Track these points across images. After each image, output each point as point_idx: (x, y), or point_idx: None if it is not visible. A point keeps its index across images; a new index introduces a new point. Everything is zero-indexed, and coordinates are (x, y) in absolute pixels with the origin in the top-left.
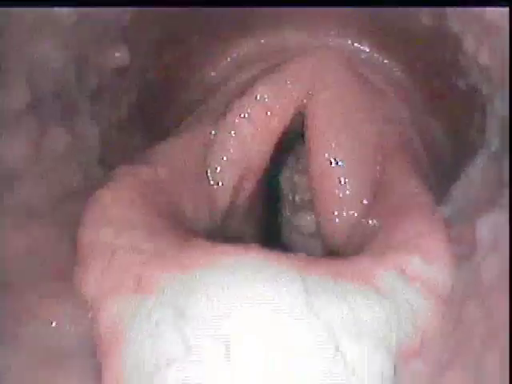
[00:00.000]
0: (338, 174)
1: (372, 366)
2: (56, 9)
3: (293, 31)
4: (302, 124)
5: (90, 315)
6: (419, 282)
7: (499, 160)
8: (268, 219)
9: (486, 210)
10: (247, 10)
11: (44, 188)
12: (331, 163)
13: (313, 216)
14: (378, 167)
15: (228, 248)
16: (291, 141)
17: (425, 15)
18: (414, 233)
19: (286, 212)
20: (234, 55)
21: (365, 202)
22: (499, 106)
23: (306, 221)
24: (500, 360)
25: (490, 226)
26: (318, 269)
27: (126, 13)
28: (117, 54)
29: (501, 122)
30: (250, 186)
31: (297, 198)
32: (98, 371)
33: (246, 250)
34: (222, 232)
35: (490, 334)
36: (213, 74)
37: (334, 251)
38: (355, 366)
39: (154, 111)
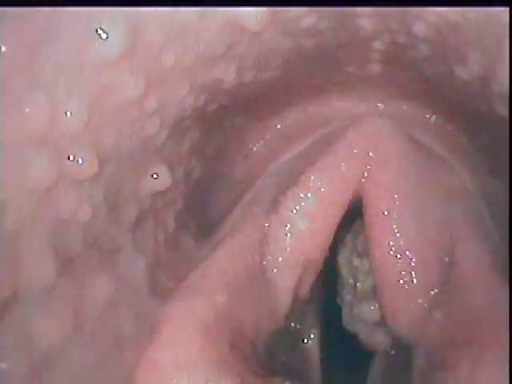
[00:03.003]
0: (402, 263)
1: None
2: (72, 168)
3: (341, 97)
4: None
5: None
6: None
7: None
8: (327, 301)
9: None
10: (296, 77)
11: (90, 355)
12: (395, 251)
13: (377, 305)
14: (446, 251)
15: None
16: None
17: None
18: None
19: (347, 296)
20: (279, 126)
21: (434, 291)
22: None
23: (370, 310)
24: None
25: None
26: None
27: (162, 132)
28: (155, 178)
29: None
30: (309, 280)
31: (358, 285)
32: None
33: None
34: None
35: None
36: (256, 149)
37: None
38: None
39: (202, 208)
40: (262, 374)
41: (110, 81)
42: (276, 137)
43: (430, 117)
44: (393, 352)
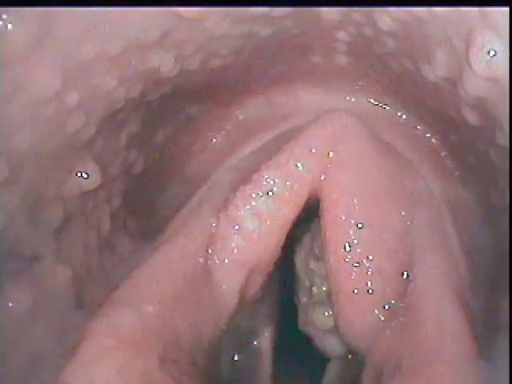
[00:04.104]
0: (359, 272)
1: None
2: None
3: (307, 89)
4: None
5: None
6: None
7: None
8: (284, 298)
9: None
10: (254, 64)
11: (3, 375)
12: (351, 259)
13: (331, 312)
14: (405, 263)
15: None
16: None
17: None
18: None
19: (303, 299)
20: (241, 117)
21: (391, 303)
22: None
23: (324, 317)
24: None
25: None
26: None
27: (89, 127)
28: (84, 178)
29: None
30: (258, 281)
31: (313, 289)
32: None
33: None
34: (232, 331)
35: None
36: (216, 140)
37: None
38: None
39: (148, 207)
40: None
41: (21, 76)
42: (237, 128)
43: (401, 116)
44: (349, 356)
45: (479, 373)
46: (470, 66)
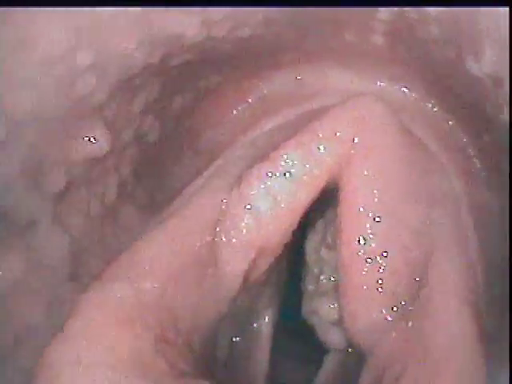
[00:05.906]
0: (371, 268)
1: None
2: None
3: (338, 69)
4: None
5: None
6: None
7: None
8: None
9: None
10: (285, 37)
11: None
12: (364, 253)
13: (337, 304)
14: (420, 266)
15: None
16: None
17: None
18: None
19: (309, 286)
20: (266, 92)
21: (400, 305)
22: None
23: (329, 308)
24: None
25: None
26: None
27: (100, 91)
28: (92, 143)
29: None
30: (265, 265)
31: (322, 277)
32: None
33: None
34: (232, 313)
35: None
36: (236, 113)
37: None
38: None
39: (160, 177)
40: (190, 373)
41: (30, 32)
42: (260, 102)
43: (433, 107)
44: (349, 350)
45: None
46: None
